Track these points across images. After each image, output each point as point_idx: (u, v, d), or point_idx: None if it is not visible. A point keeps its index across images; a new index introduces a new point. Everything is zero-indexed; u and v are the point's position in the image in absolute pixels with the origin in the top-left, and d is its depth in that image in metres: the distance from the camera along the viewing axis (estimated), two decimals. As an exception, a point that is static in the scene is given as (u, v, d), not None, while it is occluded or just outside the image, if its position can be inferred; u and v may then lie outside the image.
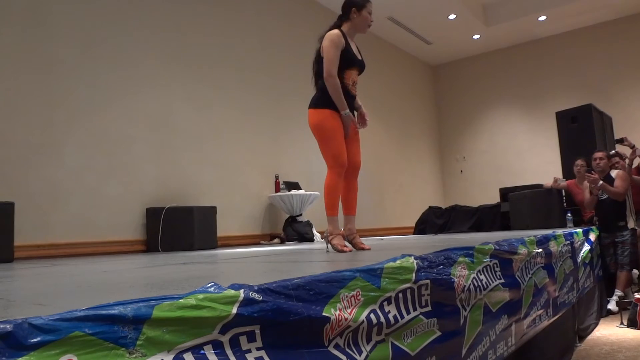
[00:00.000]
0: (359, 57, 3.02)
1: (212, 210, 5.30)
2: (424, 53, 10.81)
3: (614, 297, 4.94)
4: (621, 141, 5.82)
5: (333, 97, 2.84)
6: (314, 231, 6.33)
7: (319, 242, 5.62)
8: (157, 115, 5.51)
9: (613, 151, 5.86)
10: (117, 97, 5.16)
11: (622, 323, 4.45)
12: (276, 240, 6.43)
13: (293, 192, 6.36)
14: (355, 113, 3.09)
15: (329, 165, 2.89)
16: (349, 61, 2.92)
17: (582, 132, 6.76)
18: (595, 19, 9.43)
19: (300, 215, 6.43)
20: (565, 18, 9.30)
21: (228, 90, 6.37)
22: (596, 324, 4.55)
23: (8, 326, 0.69)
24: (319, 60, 2.95)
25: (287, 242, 6.14)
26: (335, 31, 2.93)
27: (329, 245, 2.88)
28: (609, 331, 4.33)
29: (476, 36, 10.02)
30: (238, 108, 6.47)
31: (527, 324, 2.52)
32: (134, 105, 5.31)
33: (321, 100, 2.89)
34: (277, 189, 6.52)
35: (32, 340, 0.71)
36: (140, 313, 0.83)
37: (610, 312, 4.90)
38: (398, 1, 8.29)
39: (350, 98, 2.97)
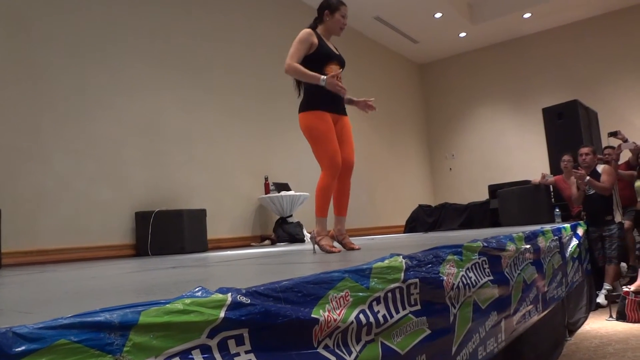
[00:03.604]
0: (337, 53, 3.04)
1: (202, 213, 5.28)
2: (411, 52, 10.85)
3: (603, 291, 4.99)
4: (615, 134, 5.91)
5: (301, 78, 2.86)
6: (305, 232, 6.33)
7: (309, 243, 5.62)
8: (145, 119, 5.48)
9: (610, 134, 5.96)
10: (105, 100, 5.13)
11: (611, 316, 4.50)
12: (267, 241, 6.42)
13: (283, 193, 6.35)
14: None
15: (323, 166, 2.87)
16: (326, 55, 2.93)
17: (568, 127, 6.83)
18: (579, 16, 9.52)
19: (291, 216, 6.43)
20: (549, 15, 9.39)
21: (217, 93, 6.35)
22: (586, 318, 4.60)
23: (-8, 336, 0.69)
24: None
25: (277, 244, 6.14)
26: (306, 29, 2.95)
27: (316, 246, 2.88)
28: (599, 325, 4.38)
29: (462, 34, 10.08)
30: (227, 110, 6.46)
31: (517, 319, 2.54)
32: (122, 109, 5.28)
33: (309, 102, 2.89)
34: (267, 191, 6.51)
35: (17, 350, 0.70)
36: (126, 319, 0.83)
37: (599, 306, 4.95)
38: (384, 0, 8.31)
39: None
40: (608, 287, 4.97)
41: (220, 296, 0.97)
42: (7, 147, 4.37)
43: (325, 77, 2.77)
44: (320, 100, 2.85)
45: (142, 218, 5.07)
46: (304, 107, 2.92)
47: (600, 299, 4.97)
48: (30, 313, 1.11)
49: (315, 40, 2.90)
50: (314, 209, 2.89)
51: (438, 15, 9.08)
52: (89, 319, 0.79)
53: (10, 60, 4.47)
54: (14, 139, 4.43)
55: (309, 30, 2.95)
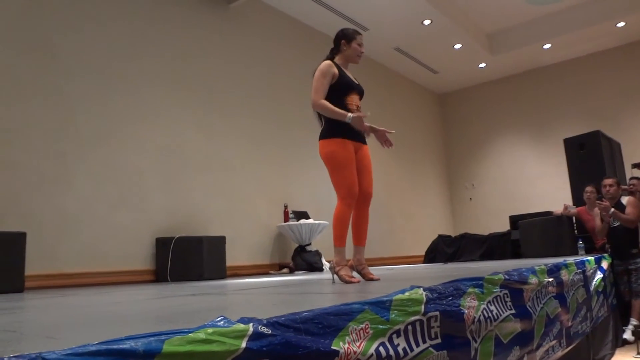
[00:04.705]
0: (356, 83, 3.09)
1: (221, 240, 5.31)
2: (431, 82, 10.92)
3: (630, 327, 4.84)
4: (639, 166, 5.81)
5: (329, 115, 2.88)
6: (323, 260, 6.30)
7: (328, 272, 5.58)
8: (166, 145, 5.59)
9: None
10: (126, 126, 5.26)
11: (638, 353, 4.35)
12: (285, 270, 6.40)
13: (302, 221, 6.36)
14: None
15: (340, 195, 2.89)
16: (346, 86, 2.98)
17: (590, 158, 6.75)
18: (599, 46, 9.51)
19: (309, 244, 6.42)
20: (569, 46, 9.40)
21: (237, 119, 6.46)
22: (612, 354, 4.45)
23: (22, 361, 0.71)
24: None
25: (296, 272, 6.12)
26: (326, 62, 3.00)
27: (335, 276, 2.87)
28: (626, 362, 4.24)
29: (482, 65, 10.12)
30: (247, 137, 6.55)
31: (540, 355, 2.48)
32: (144, 135, 5.40)
33: (331, 129, 2.90)
34: (286, 219, 6.53)
35: (46, 375, 0.72)
36: (151, 347, 0.84)
37: (626, 342, 4.79)
38: (405, 32, 8.43)
39: None
40: (635, 323, 4.82)
41: (242, 326, 0.98)
42: (33, 171, 4.50)
43: (351, 115, 2.81)
44: (343, 129, 2.88)
45: (162, 244, 5.12)
46: (325, 135, 2.94)
47: (627, 335, 4.81)
48: (56, 338, 1.13)
49: (336, 71, 2.96)
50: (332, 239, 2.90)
51: (458, 46, 9.15)
52: (115, 347, 0.81)
53: (35, 86, 4.64)
54: (38, 164, 4.55)
55: (328, 62, 3.00)
